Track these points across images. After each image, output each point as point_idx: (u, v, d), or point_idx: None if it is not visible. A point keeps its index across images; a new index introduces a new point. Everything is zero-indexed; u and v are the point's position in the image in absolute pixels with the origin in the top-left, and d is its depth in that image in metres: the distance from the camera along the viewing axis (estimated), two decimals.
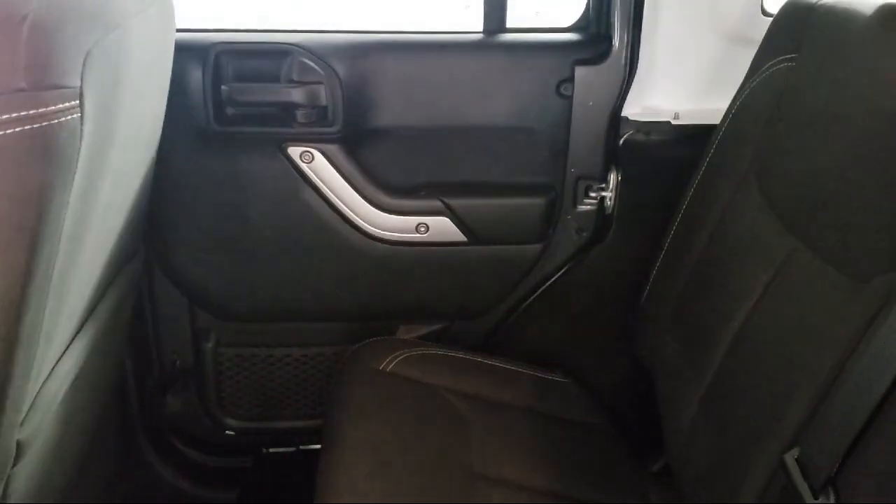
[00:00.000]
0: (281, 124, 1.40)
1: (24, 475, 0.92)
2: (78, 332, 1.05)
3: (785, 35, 1.18)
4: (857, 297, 0.88)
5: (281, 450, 1.73)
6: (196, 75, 1.35)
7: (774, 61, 1.19)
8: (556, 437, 1.32)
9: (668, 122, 1.47)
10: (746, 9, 1.43)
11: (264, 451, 1.73)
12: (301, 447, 1.73)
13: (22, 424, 0.87)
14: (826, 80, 1.05)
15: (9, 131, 0.70)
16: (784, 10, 1.21)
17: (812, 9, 1.14)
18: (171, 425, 1.65)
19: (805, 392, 0.90)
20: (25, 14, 0.72)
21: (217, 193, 1.44)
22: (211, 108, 1.37)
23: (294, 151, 1.41)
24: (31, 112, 0.71)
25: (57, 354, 0.97)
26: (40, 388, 0.92)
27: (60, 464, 1.09)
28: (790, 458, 0.88)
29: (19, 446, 0.87)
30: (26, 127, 0.71)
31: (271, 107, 1.39)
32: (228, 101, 1.38)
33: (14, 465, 0.87)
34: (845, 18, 1.05)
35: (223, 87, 1.37)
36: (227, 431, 1.68)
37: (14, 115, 0.70)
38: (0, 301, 0.75)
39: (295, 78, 1.37)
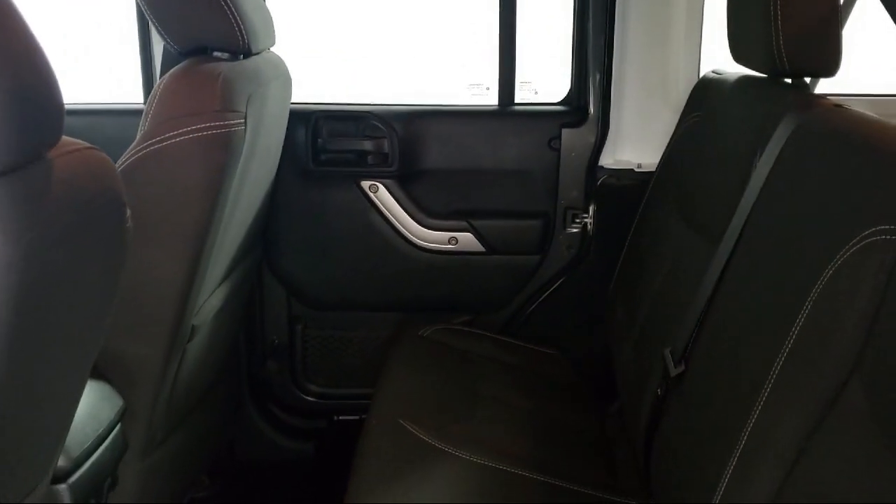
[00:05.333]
0: (356, 165, 1.93)
1: (191, 355, 1.42)
2: (222, 281, 1.56)
3: (695, 99, 1.66)
4: (710, 253, 1.31)
5: (348, 417, 2.16)
6: (301, 131, 1.90)
7: (689, 118, 1.66)
8: (540, 384, 1.75)
9: (633, 170, 1.94)
10: (687, 85, 1.89)
11: (336, 417, 2.17)
12: (363, 416, 2.17)
13: (195, 315, 1.37)
14: (711, 127, 1.52)
15: (209, 133, 1.23)
16: (697, 83, 1.70)
17: (710, 80, 1.62)
18: (267, 389, 2.12)
19: (680, 314, 1.33)
20: (219, 73, 1.27)
21: (312, 214, 1.96)
22: (310, 154, 1.92)
23: (365, 184, 1.94)
24: (220, 123, 1.24)
25: (211, 288, 1.48)
26: (203, 303, 1.43)
27: (205, 369, 1.58)
28: (667, 352, 1.30)
29: (193, 329, 1.37)
30: (218, 131, 1.24)
31: (350, 153, 1.93)
32: (322, 150, 1.92)
33: (189, 340, 1.37)
34: (724, 86, 1.53)
35: (319, 139, 1.92)
36: (308, 397, 2.14)
37: (212, 124, 1.23)
38: (195, 231, 1.27)
39: (367, 134, 1.92)
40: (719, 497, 0.97)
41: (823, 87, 1.65)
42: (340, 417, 2.16)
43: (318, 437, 2.15)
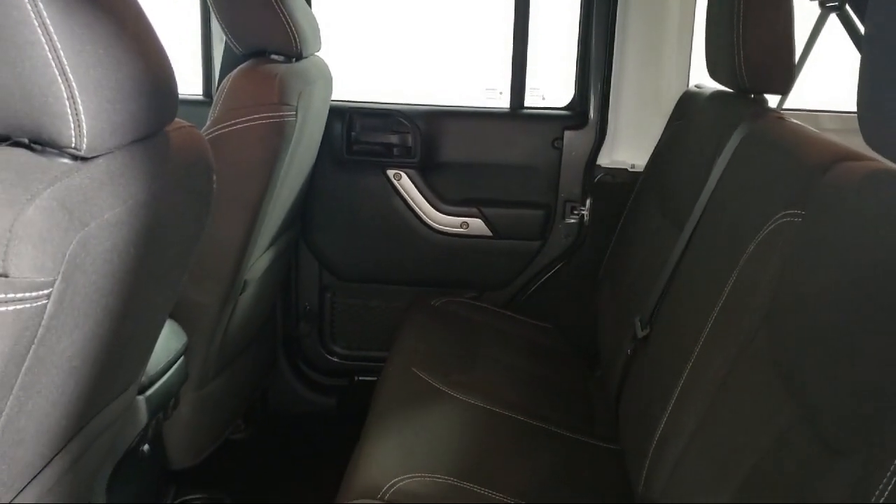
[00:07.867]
0: (384, 156, 2.17)
1: (241, 306, 1.66)
2: (268, 247, 1.79)
3: (679, 109, 1.88)
4: (677, 237, 1.53)
5: (367, 378, 2.39)
6: (338, 125, 2.14)
7: (672, 125, 1.88)
8: (534, 350, 1.97)
9: (627, 170, 2.16)
10: (677, 96, 2.10)
11: (356, 378, 2.40)
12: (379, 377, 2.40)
13: (247, 272, 1.61)
14: (687, 133, 1.73)
15: (267, 121, 1.47)
16: (682, 95, 1.91)
17: (692, 93, 1.83)
18: (298, 349, 2.36)
19: (650, 288, 1.54)
20: (276, 73, 1.51)
21: (343, 197, 2.20)
22: (345, 145, 2.15)
23: (390, 173, 2.17)
24: (277, 114, 1.48)
25: (260, 251, 1.72)
26: (253, 263, 1.66)
27: (251, 320, 1.82)
28: (637, 319, 1.52)
29: (245, 283, 1.61)
30: (274, 121, 1.48)
31: (379, 146, 2.17)
32: (355, 141, 2.16)
33: (241, 293, 1.61)
34: (701, 98, 1.74)
35: (352, 132, 2.15)
36: (333, 358, 2.37)
37: (270, 114, 1.47)
38: (251, 201, 1.50)
39: (394, 129, 2.15)
40: (664, 423, 1.19)
41: (795, 102, 1.87)
42: (360, 378, 2.39)
43: (340, 394, 2.37)
